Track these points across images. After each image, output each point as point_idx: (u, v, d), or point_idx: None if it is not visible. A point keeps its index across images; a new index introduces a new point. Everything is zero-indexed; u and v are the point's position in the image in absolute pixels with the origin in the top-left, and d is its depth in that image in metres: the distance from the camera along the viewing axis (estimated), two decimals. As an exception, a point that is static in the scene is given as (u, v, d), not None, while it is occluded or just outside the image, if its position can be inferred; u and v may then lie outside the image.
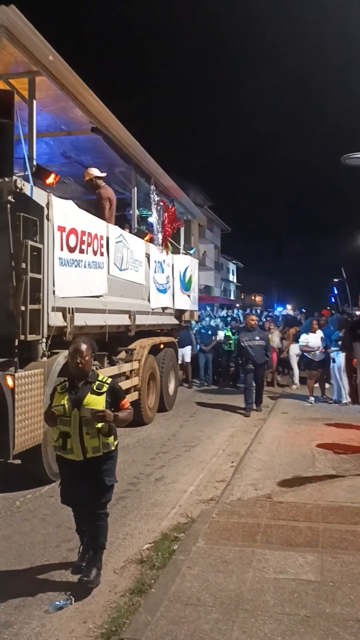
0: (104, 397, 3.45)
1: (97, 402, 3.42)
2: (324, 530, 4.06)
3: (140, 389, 8.04)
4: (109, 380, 3.56)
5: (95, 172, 7.47)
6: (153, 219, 9.19)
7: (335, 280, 41.86)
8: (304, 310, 31.16)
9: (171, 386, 10.13)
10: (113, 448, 3.54)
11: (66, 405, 3.42)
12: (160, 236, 9.32)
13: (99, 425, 3.39)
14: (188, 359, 13.37)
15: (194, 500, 5.12)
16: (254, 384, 9.80)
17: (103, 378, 3.57)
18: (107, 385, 3.51)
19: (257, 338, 9.65)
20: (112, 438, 3.51)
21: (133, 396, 7.76)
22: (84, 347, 3.54)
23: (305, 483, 5.29)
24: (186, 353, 13.18)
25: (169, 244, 9.85)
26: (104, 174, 7.58)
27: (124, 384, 7.34)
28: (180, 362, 12.64)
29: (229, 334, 13.73)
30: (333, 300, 40.57)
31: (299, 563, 3.53)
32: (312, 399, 10.43)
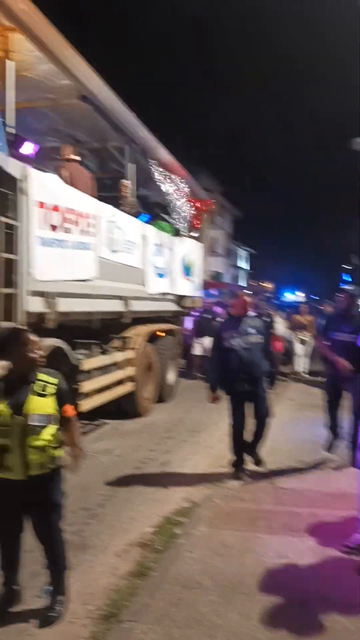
0: (52, 399, 2.86)
1: (43, 405, 2.83)
2: (325, 516, 4.08)
3: (136, 380, 7.68)
4: (55, 380, 2.92)
5: (69, 151, 6.81)
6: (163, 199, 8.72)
7: (346, 267, 41.67)
8: (311, 296, 30.94)
9: (171, 376, 9.55)
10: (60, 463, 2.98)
11: (5, 412, 2.77)
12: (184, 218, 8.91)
13: (48, 436, 2.81)
14: (207, 353, 11.78)
15: (198, 485, 5.14)
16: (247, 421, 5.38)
17: (45, 377, 2.91)
18: (54, 386, 2.89)
19: (252, 331, 5.18)
20: (62, 450, 2.95)
21: (127, 387, 7.37)
22: (35, 336, 2.96)
23: (309, 469, 5.32)
24: (206, 345, 11.37)
25: (168, 225, 9.34)
26: (76, 157, 6.89)
27: (117, 375, 7.06)
28: (198, 352, 11.94)
29: None
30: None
31: (299, 549, 3.55)
32: None
